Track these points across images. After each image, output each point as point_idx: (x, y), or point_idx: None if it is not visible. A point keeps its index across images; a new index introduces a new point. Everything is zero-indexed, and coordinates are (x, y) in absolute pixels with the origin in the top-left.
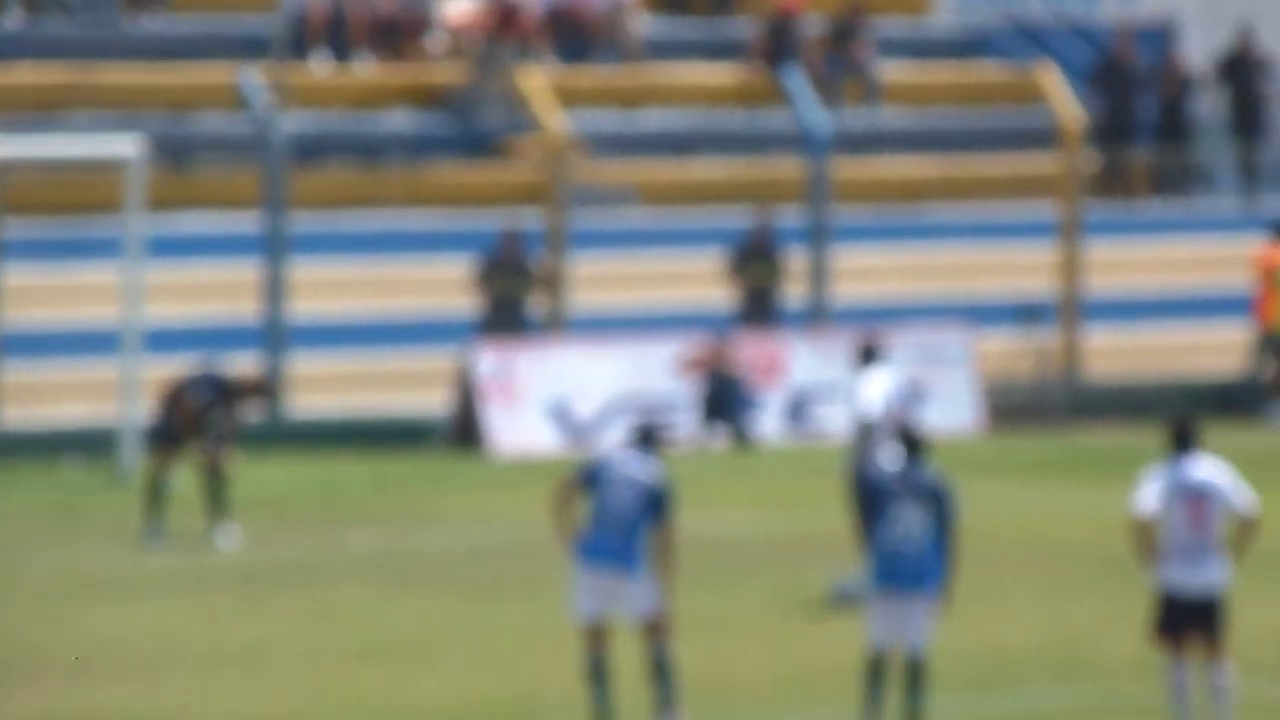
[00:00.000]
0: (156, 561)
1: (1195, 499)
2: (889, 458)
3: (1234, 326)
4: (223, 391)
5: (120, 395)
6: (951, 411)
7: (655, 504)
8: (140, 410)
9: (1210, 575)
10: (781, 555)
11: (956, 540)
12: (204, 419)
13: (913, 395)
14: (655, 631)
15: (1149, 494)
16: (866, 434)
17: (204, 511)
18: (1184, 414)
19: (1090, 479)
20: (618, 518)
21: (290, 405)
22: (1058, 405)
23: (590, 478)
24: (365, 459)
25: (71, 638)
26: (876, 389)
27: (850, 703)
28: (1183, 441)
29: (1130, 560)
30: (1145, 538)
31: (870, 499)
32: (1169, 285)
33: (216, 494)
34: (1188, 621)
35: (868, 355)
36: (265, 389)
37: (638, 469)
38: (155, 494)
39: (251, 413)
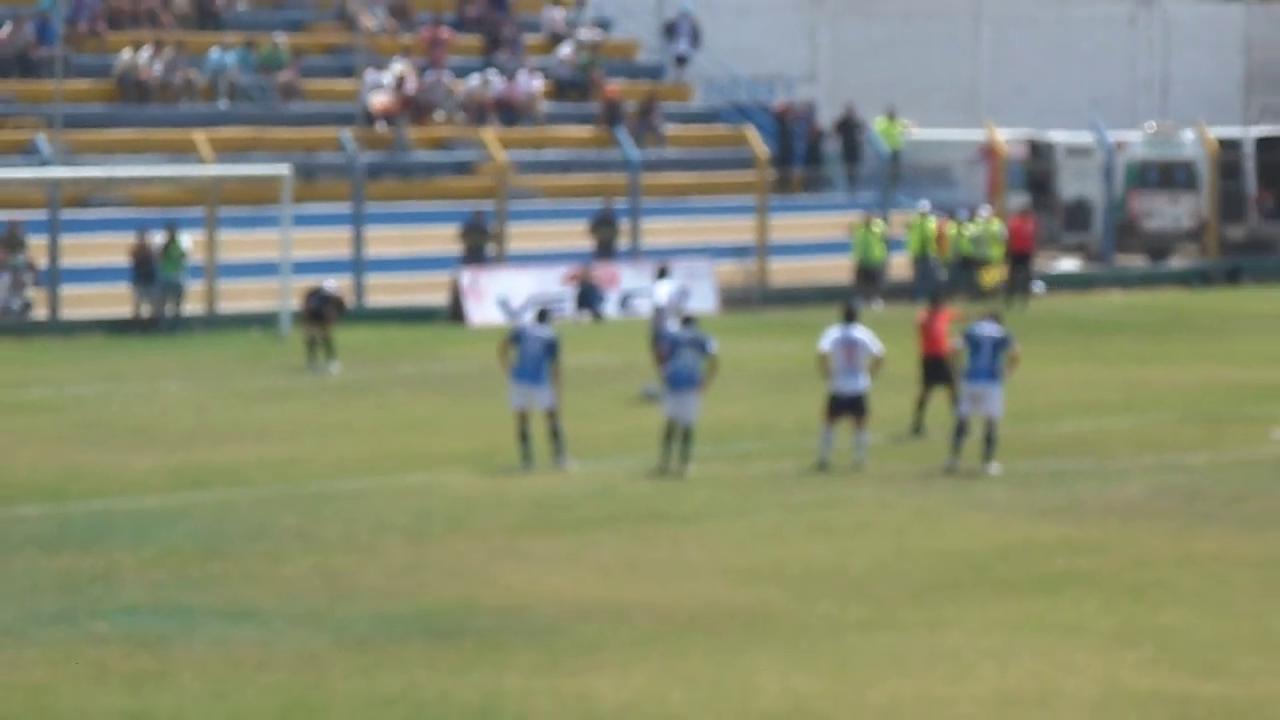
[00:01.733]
0: (304, 380)
1: (850, 345)
2: (673, 325)
3: (843, 259)
4: (325, 300)
5: (279, 297)
6: (703, 302)
7: (550, 349)
8: (289, 304)
9: (858, 384)
10: (616, 375)
11: (713, 364)
12: (319, 311)
13: (684, 294)
14: (552, 415)
15: (825, 341)
16: (660, 314)
17: (324, 356)
18: (850, 300)
19: (776, 338)
20: (532, 357)
21: (366, 300)
22: (756, 300)
23: (516, 337)
24: (405, 328)
25: (246, 422)
26: (665, 291)
27: (653, 449)
28: (848, 315)
29: (809, 378)
30: (823, 364)
31: (666, 346)
32: (798, 239)
33: (329, 347)
34: (844, 409)
35: (661, 273)
36: (344, 304)
37: (541, 332)
38: (308, 348)
39: (339, 313)
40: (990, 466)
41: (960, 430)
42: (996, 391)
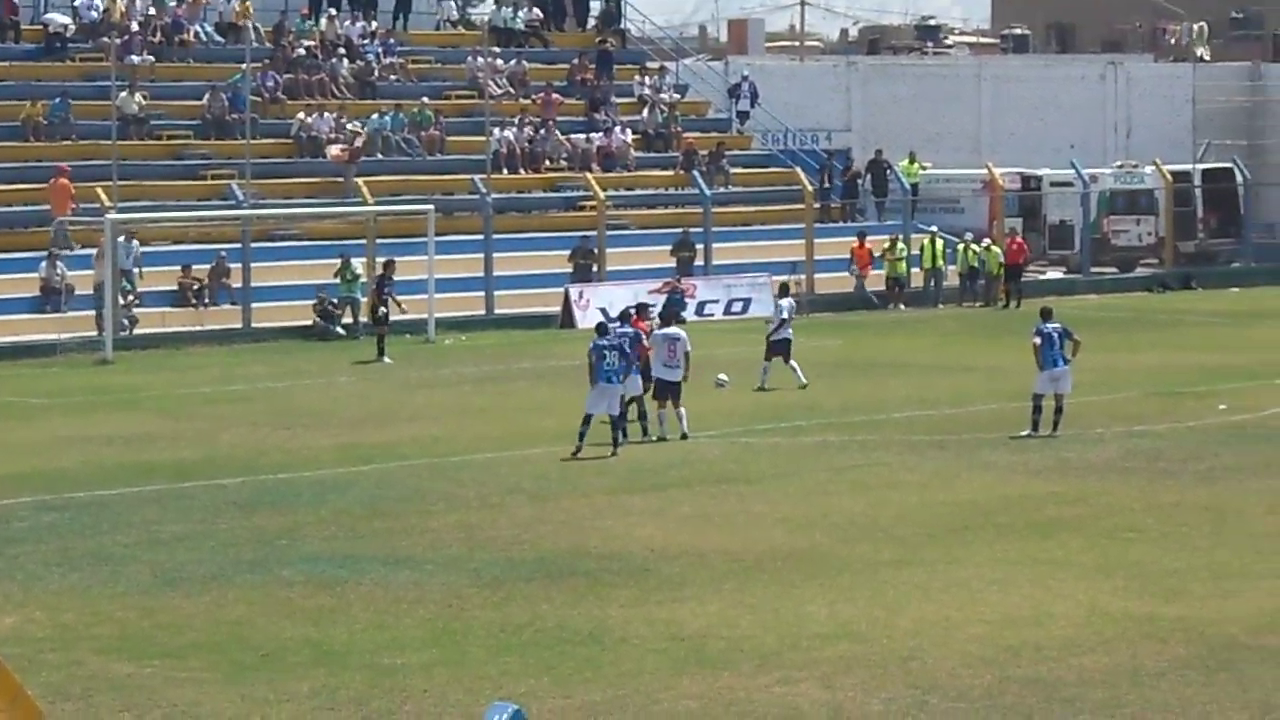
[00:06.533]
0: (447, 371)
1: (671, 342)
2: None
3: (875, 272)
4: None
5: (426, 308)
6: (762, 308)
7: (634, 341)
8: (435, 315)
9: (676, 374)
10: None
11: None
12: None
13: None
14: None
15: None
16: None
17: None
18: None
19: (821, 336)
20: (610, 363)
21: (494, 310)
22: (804, 306)
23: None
24: (525, 332)
25: (401, 407)
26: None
27: (721, 427)
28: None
29: (848, 368)
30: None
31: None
32: (838, 256)
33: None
34: (666, 392)
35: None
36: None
37: (613, 340)
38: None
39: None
40: (1059, 431)
41: (1037, 408)
42: (1068, 373)
